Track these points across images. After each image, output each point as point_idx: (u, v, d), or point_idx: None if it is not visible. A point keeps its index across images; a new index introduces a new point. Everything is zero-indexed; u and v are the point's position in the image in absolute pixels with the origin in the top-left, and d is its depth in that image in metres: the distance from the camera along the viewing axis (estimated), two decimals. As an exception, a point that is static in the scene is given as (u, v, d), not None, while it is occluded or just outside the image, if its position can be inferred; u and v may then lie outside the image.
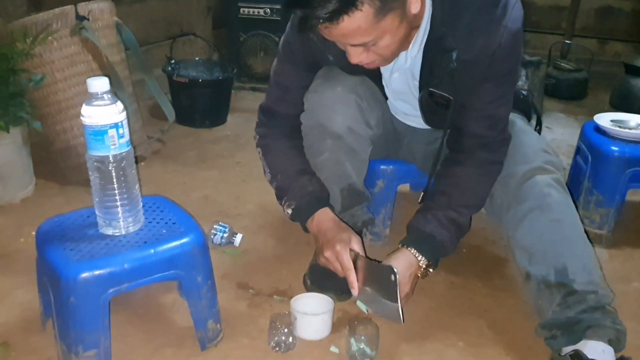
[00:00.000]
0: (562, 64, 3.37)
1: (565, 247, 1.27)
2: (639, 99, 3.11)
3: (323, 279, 1.50)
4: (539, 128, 1.66)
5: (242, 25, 3.20)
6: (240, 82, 3.19)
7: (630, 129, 1.84)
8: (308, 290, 1.53)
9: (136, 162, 2.08)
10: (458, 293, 1.58)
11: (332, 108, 1.40)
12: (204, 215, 1.92)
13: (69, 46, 1.98)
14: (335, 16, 1.08)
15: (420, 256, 1.33)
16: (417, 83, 1.38)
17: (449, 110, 1.35)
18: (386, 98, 1.52)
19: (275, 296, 1.53)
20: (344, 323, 1.42)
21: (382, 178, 1.69)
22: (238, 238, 1.75)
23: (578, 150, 1.96)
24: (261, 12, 3.15)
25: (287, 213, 1.45)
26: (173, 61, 2.78)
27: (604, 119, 1.88)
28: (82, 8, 1.99)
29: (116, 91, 2.14)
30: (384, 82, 1.46)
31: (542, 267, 1.28)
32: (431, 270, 1.35)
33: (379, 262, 1.36)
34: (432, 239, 1.34)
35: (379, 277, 1.29)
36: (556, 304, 1.25)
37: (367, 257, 1.34)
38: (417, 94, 1.41)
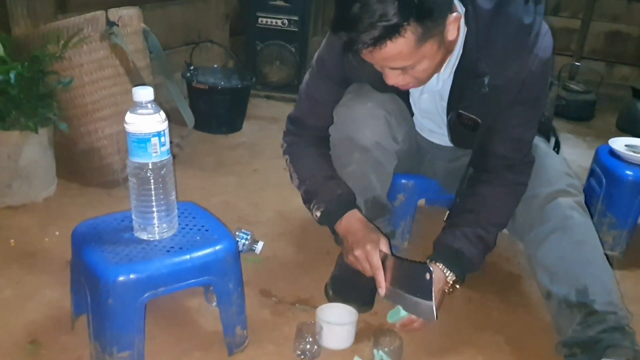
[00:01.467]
0: (571, 86, 3.43)
1: (587, 268, 1.32)
2: (645, 123, 3.17)
3: (345, 290, 1.54)
4: (557, 149, 1.71)
5: (259, 35, 3.25)
6: (255, 90, 3.23)
7: (643, 154, 1.89)
8: (330, 300, 1.57)
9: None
10: (476, 308, 1.62)
11: (361, 122, 1.44)
12: (225, 221, 1.91)
13: (98, 50, 2.02)
14: (379, 42, 1.13)
15: (449, 272, 1.37)
16: (444, 104, 1.43)
17: (475, 131, 1.40)
18: (412, 114, 1.56)
19: (297, 305, 1.57)
20: (366, 334, 1.46)
21: (403, 192, 1.74)
22: (259, 245, 1.79)
23: (592, 173, 2.00)
24: (279, 22, 3.20)
25: (316, 216, 1.49)
26: (192, 67, 2.82)
27: (619, 144, 1.93)
28: (113, 14, 2.03)
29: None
30: (411, 100, 1.50)
31: (563, 286, 1.33)
32: (458, 286, 1.39)
33: (410, 260, 1.39)
34: (460, 255, 1.38)
35: (411, 275, 1.32)
36: (577, 323, 1.30)
37: (396, 256, 1.38)
38: (443, 113, 1.45)
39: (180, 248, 1.27)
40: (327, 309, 1.45)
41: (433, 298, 1.27)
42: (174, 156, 2.45)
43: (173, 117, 2.74)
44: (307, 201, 1.51)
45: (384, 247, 1.37)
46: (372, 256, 1.35)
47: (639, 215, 1.84)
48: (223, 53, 3.27)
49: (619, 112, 3.35)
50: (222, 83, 2.82)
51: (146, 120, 1.22)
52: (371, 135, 1.43)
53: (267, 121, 2.95)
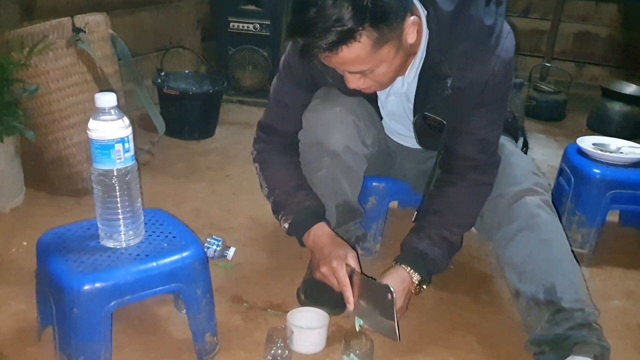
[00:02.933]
0: (542, 86, 3.47)
1: (554, 267, 1.33)
2: (615, 122, 3.22)
3: (317, 294, 1.53)
4: (525, 149, 1.73)
5: (231, 39, 3.24)
6: (227, 96, 3.21)
7: (611, 152, 1.91)
8: (302, 304, 1.56)
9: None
10: (447, 308, 1.63)
11: (330, 127, 1.44)
12: (196, 227, 1.92)
13: (64, 57, 1.99)
14: (334, 46, 1.13)
15: (414, 273, 1.37)
16: (411, 106, 1.43)
17: (442, 133, 1.40)
18: (381, 118, 1.57)
19: (269, 310, 1.56)
20: (338, 337, 1.46)
21: (375, 195, 1.74)
22: (231, 251, 1.77)
23: (561, 172, 2.03)
24: (250, 27, 3.20)
25: (284, 227, 1.48)
26: (163, 73, 2.80)
27: (586, 142, 1.95)
28: (79, 20, 2.01)
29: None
30: (379, 104, 1.50)
31: (531, 285, 1.34)
32: (424, 287, 1.40)
33: (375, 279, 1.39)
34: (425, 257, 1.38)
35: (375, 294, 1.33)
36: (545, 320, 1.31)
37: (363, 274, 1.38)
38: (411, 116, 1.46)
39: (147, 255, 1.25)
40: (298, 313, 1.44)
41: (395, 319, 1.28)
42: (144, 163, 2.46)
43: (144, 124, 2.74)
44: (275, 211, 1.51)
45: (352, 261, 1.37)
46: (338, 273, 1.35)
47: (607, 213, 1.86)
48: (195, 58, 3.25)
49: (589, 111, 3.39)
50: (194, 88, 2.81)
51: (109, 127, 1.20)
52: (340, 140, 1.43)
53: (239, 126, 2.94)
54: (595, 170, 1.84)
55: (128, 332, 1.44)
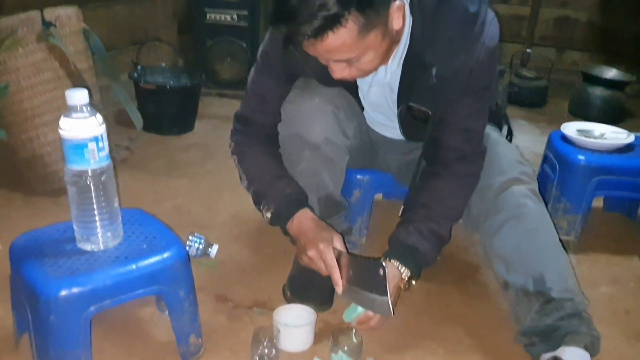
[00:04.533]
0: (524, 72, 3.46)
1: (542, 256, 1.31)
2: (596, 107, 3.22)
3: (303, 290, 1.50)
4: (509, 137, 1.71)
5: (208, 31, 3.18)
6: (206, 88, 3.16)
7: (595, 138, 1.90)
8: (288, 301, 1.53)
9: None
10: (435, 300, 1.61)
11: (310, 119, 1.40)
12: (178, 225, 1.88)
13: (35, 53, 1.93)
14: (320, 32, 1.09)
15: (404, 268, 1.34)
16: (394, 96, 1.40)
17: (426, 124, 1.38)
18: (362, 109, 1.53)
19: (254, 308, 1.52)
20: (325, 333, 1.43)
21: (359, 187, 1.71)
22: (214, 249, 1.74)
23: (545, 159, 2.01)
24: (228, 18, 3.14)
25: (266, 217, 1.44)
26: (139, 67, 2.74)
27: (570, 129, 1.94)
28: (49, 14, 1.94)
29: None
30: (360, 95, 1.47)
31: (520, 276, 1.32)
32: (414, 282, 1.37)
33: (364, 257, 1.36)
34: (414, 251, 1.36)
35: (365, 272, 1.30)
36: (534, 311, 1.29)
37: (350, 253, 1.35)
38: (394, 106, 1.43)
39: (126, 257, 1.21)
40: (284, 310, 1.41)
41: (388, 293, 1.25)
42: (123, 160, 2.40)
43: (121, 120, 2.68)
44: (257, 202, 1.47)
45: (338, 244, 1.34)
46: (325, 255, 1.31)
47: (592, 199, 1.85)
48: (171, 52, 3.18)
49: (570, 97, 3.39)
50: (171, 82, 2.75)
51: (82, 125, 1.16)
52: (320, 132, 1.40)
53: (219, 120, 2.89)
54: (580, 157, 1.83)
55: (109, 335, 1.40)
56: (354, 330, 1.35)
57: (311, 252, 1.33)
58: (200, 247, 1.72)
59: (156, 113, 2.66)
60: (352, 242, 1.76)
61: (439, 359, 1.39)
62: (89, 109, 1.18)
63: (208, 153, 2.53)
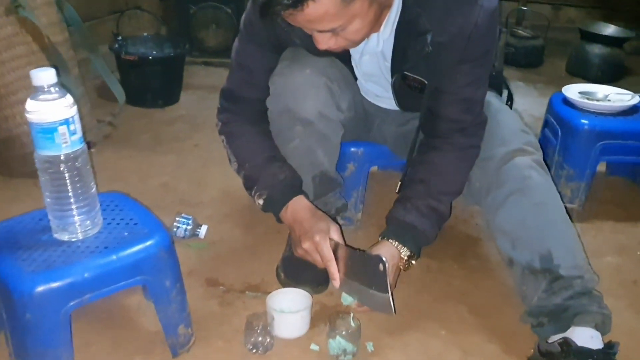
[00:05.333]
0: (519, 32, 3.35)
1: (549, 232, 1.24)
2: (595, 65, 3.13)
3: (297, 272, 1.43)
4: (510, 103, 1.62)
5: (191, -3, 3.05)
6: (191, 57, 3.04)
7: (598, 100, 1.82)
8: (282, 283, 1.46)
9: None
10: (435, 277, 1.54)
11: (301, 92, 1.31)
12: (165, 205, 1.82)
13: (4, 27, 1.81)
14: (298, 2, 0.99)
15: (402, 247, 1.27)
16: (388, 65, 1.31)
17: (423, 94, 1.29)
18: (356, 79, 1.44)
19: (247, 292, 1.45)
20: (322, 317, 1.37)
21: (353, 161, 1.62)
22: (203, 230, 1.66)
23: (546, 124, 1.93)
24: (211, -18, 3.00)
25: (259, 204, 1.36)
26: (120, 38, 2.62)
27: (572, 91, 1.85)
28: (17, -16, 1.82)
29: (61, 74, 1.99)
30: (353, 63, 1.38)
31: (526, 252, 1.25)
32: (413, 262, 1.30)
33: (362, 250, 1.29)
34: (413, 229, 1.28)
35: (364, 267, 1.22)
36: (542, 290, 1.22)
37: (348, 246, 1.27)
38: (388, 76, 1.33)
39: (106, 247, 1.13)
40: (278, 295, 1.35)
41: (389, 291, 1.17)
42: (106, 136, 2.31)
43: (103, 93, 2.57)
44: (248, 187, 1.38)
45: (335, 235, 1.26)
46: (322, 247, 1.23)
47: (596, 165, 1.78)
48: (153, 20, 3.05)
49: (568, 56, 3.29)
50: (154, 52, 2.63)
51: (50, 107, 1.06)
52: (313, 106, 1.30)
53: (206, 90, 2.78)
54: (584, 121, 1.75)
55: (95, 326, 1.33)
56: (352, 314, 1.28)
57: (306, 244, 1.25)
58: (189, 228, 1.64)
59: (139, 85, 2.55)
60: (348, 218, 1.69)
61: (442, 341, 1.32)
62: (57, 90, 1.08)
63: (195, 126, 2.43)
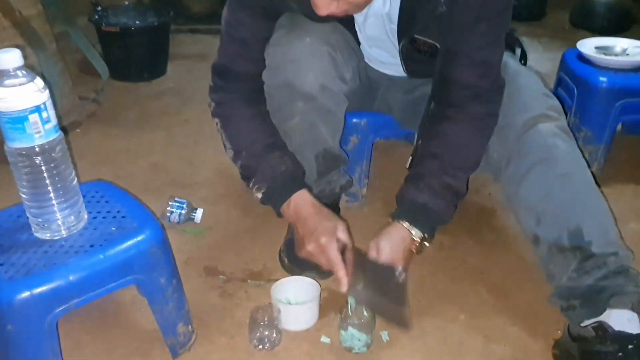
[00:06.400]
0: (520, -18, 3.19)
1: (578, 206, 1.13)
2: (600, 15, 2.99)
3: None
4: (524, 62, 1.49)
5: (173, -40, 2.87)
6: (176, 25, 2.88)
7: (616, 55, 1.69)
8: (286, 269, 1.36)
9: (68, 131, 1.83)
10: (449, 255, 1.44)
11: (301, 63, 1.18)
12: (156, 187, 1.71)
13: (-30, 2, 1.67)
14: None
15: (415, 230, 1.16)
16: (394, 27, 1.18)
17: (434, 58, 1.16)
18: (359, 44, 1.31)
19: (249, 281, 1.35)
20: (331, 305, 1.27)
21: (356, 133, 1.50)
22: (198, 213, 1.55)
23: (560, 82, 1.81)
24: (194, -57, 2.82)
25: (257, 197, 1.25)
26: (99, 8, 2.46)
27: (588, 46, 1.72)
28: (-19, -46, 1.67)
29: (36, 51, 1.85)
30: (356, 27, 1.25)
31: (553, 229, 1.14)
32: (427, 244, 1.19)
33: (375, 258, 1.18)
34: (427, 210, 1.17)
35: (378, 274, 1.12)
36: (572, 269, 1.12)
37: (358, 249, 1.16)
38: (395, 40, 1.21)
39: (92, 246, 1.02)
40: (282, 285, 1.25)
41: (405, 304, 1.07)
42: (91, 114, 2.17)
43: (86, 68, 2.43)
44: (245, 178, 1.26)
45: (342, 235, 1.15)
46: (328, 251, 1.12)
47: (617, 126, 1.66)
48: (135, -13, 2.88)
49: (571, 6, 3.14)
50: (137, 22, 2.48)
51: (18, 93, 0.94)
52: (315, 79, 1.18)
53: (194, 60, 2.63)
54: (602, 79, 1.62)
55: (87, 327, 1.23)
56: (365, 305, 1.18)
57: (311, 247, 1.14)
58: (183, 212, 1.53)
59: (123, 58, 2.42)
60: (352, 194, 1.59)
61: (462, 327, 1.23)
62: (25, 73, 0.95)
63: (184, 99, 2.30)
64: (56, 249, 1.02)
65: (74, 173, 1.06)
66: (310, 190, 1.22)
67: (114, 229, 1.07)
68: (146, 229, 1.06)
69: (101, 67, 2.13)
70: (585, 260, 1.11)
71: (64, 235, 1.05)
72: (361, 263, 1.13)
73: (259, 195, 1.23)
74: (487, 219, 1.58)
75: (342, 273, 1.11)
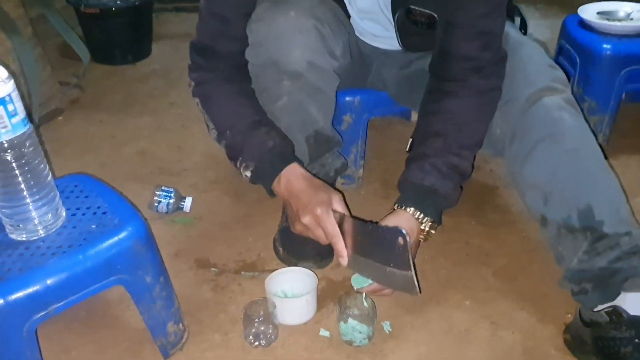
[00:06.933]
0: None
1: (587, 183, 1.06)
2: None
3: (298, 245, 1.27)
4: (524, 31, 1.41)
5: None
6: (160, 3, 2.77)
7: (620, 20, 1.61)
8: (281, 259, 1.30)
9: (50, 119, 1.75)
10: (451, 237, 1.38)
11: (286, 40, 1.10)
12: (143, 175, 1.64)
13: None
14: None
15: (422, 216, 1.09)
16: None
17: (431, 30, 1.09)
18: (349, 17, 1.23)
19: (243, 272, 1.29)
20: (329, 295, 1.21)
21: (349, 112, 1.43)
22: (187, 202, 1.48)
23: (560, 51, 1.73)
24: None
25: (246, 176, 1.17)
26: (78, -12, 2.35)
27: (590, 12, 1.64)
28: None
29: (10, 36, 1.76)
30: (346, 0, 1.16)
31: (561, 209, 1.07)
32: (433, 231, 1.12)
33: (374, 222, 1.11)
34: (434, 194, 1.10)
35: (377, 241, 1.04)
36: (583, 251, 1.05)
37: (355, 217, 1.09)
38: (388, 12, 1.13)
39: (70, 246, 0.95)
40: (277, 276, 1.18)
41: (411, 268, 1.00)
42: (74, 101, 2.09)
43: (66, 53, 2.33)
44: (232, 157, 1.19)
45: (338, 206, 1.08)
46: (325, 222, 1.05)
47: (622, 94, 1.59)
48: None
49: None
50: (118, 2, 2.36)
51: (-22, 86, 0.86)
52: (302, 56, 1.10)
53: (179, 39, 2.53)
54: (606, 46, 1.55)
55: (74, 328, 1.16)
56: (364, 294, 1.12)
57: (307, 219, 1.07)
58: (171, 202, 1.46)
59: (105, 41, 2.32)
60: (348, 175, 1.52)
61: (468, 313, 1.17)
62: (-15, 62, 0.87)
63: (170, 81, 2.21)
64: (32, 250, 0.95)
65: (48, 168, 0.98)
66: (301, 163, 1.15)
67: (94, 226, 1.00)
68: (128, 225, 0.99)
69: (82, 50, 2.04)
70: (596, 241, 1.04)
71: (42, 235, 0.98)
72: (360, 232, 1.05)
73: (248, 174, 1.15)
74: (489, 198, 1.52)
75: (340, 245, 1.05)
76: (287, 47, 1.09)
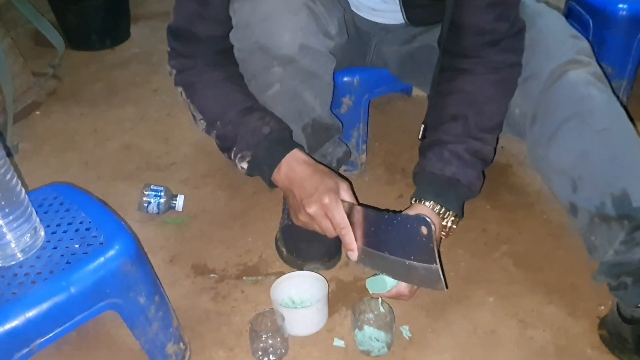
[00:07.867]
0: None
1: (621, 166, 0.95)
2: None
3: (302, 244, 1.17)
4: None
5: None
6: (137, -18, 2.62)
7: (635, -23, 1.49)
8: (284, 260, 1.20)
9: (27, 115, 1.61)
10: (467, 224, 1.27)
11: (275, 21, 0.98)
12: (130, 172, 1.52)
13: None
14: None
15: (444, 210, 0.98)
16: None
17: (440, 1, 0.97)
18: (343, -11, 1.11)
19: (244, 278, 1.19)
20: (341, 299, 1.12)
21: (349, 94, 1.31)
22: (179, 201, 1.37)
23: (570, 13, 1.60)
24: None
25: (242, 168, 1.06)
26: (45, -30, 2.19)
27: (601, -30, 1.51)
28: None
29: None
30: (340, -30, 1.04)
31: (593, 196, 0.97)
32: (455, 226, 1.02)
33: (391, 211, 1.00)
34: (456, 185, 0.99)
35: (395, 232, 0.93)
36: (620, 241, 0.95)
37: (365, 205, 0.98)
38: (389, -19, 1.01)
39: (51, 272, 0.85)
40: (283, 283, 1.08)
41: (437, 259, 0.89)
42: (51, 92, 1.96)
43: (41, 41, 2.18)
44: (224, 149, 1.07)
45: (346, 195, 0.97)
46: (333, 211, 0.94)
47: (639, 58, 1.48)
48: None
49: None
50: (90, -17, 2.21)
51: None
52: (292, 38, 0.98)
53: (159, 19, 2.39)
54: (621, 6, 1.42)
55: (64, 352, 1.07)
56: (380, 299, 1.03)
57: (312, 209, 0.95)
58: (162, 201, 1.35)
59: (80, 25, 2.17)
60: (351, 162, 1.41)
61: (492, 312, 1.08)
62: None
63: (152, 65, 2.07)
64: (9, 279, 0.84)
65: (20, 184, 0.87)
66: (302, 149, 1.03)
67: (77, 246, 0.89)
68: (115, 243, 0.89)
69: (55, 38, 1.90)
70: (635, 230, 0.94)
71: (20, 259, 0.87)
72: (374, 223, 0.94)
73: (244, 165, 1.04)
74: (503, 178, 1.42)
75: (350, 237, 0.95)
76: (275, 29, 0.97)
